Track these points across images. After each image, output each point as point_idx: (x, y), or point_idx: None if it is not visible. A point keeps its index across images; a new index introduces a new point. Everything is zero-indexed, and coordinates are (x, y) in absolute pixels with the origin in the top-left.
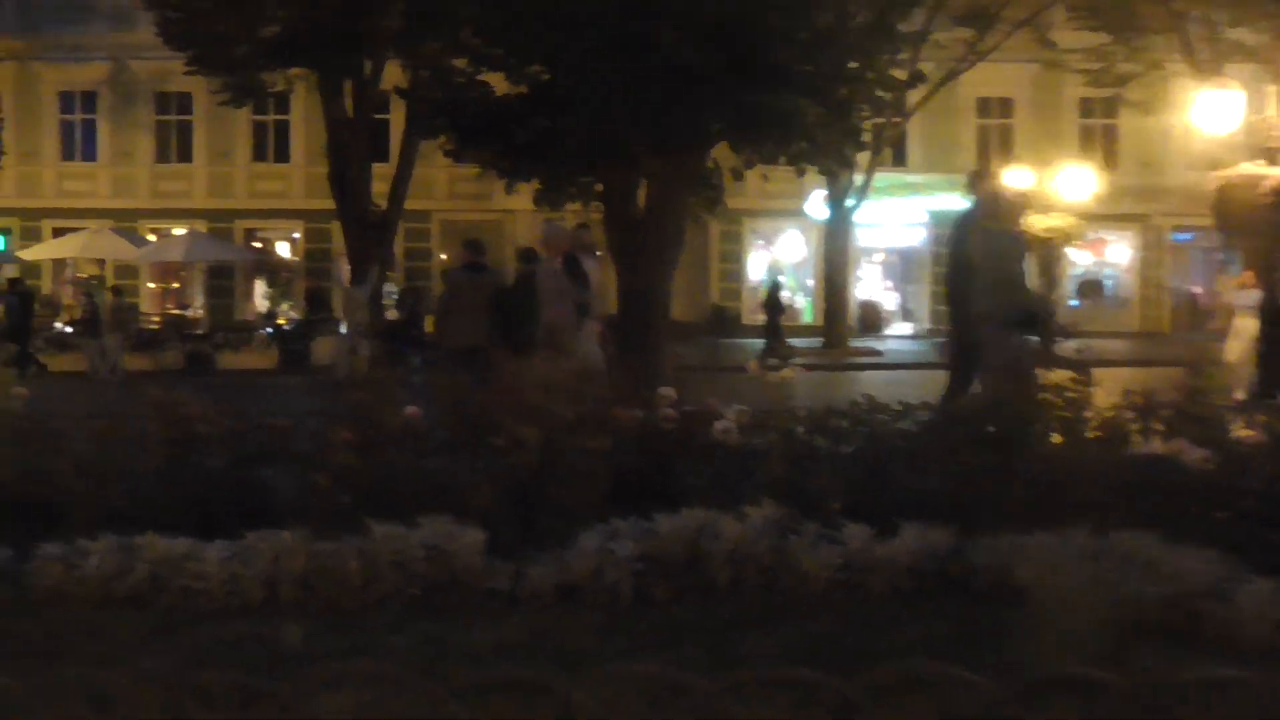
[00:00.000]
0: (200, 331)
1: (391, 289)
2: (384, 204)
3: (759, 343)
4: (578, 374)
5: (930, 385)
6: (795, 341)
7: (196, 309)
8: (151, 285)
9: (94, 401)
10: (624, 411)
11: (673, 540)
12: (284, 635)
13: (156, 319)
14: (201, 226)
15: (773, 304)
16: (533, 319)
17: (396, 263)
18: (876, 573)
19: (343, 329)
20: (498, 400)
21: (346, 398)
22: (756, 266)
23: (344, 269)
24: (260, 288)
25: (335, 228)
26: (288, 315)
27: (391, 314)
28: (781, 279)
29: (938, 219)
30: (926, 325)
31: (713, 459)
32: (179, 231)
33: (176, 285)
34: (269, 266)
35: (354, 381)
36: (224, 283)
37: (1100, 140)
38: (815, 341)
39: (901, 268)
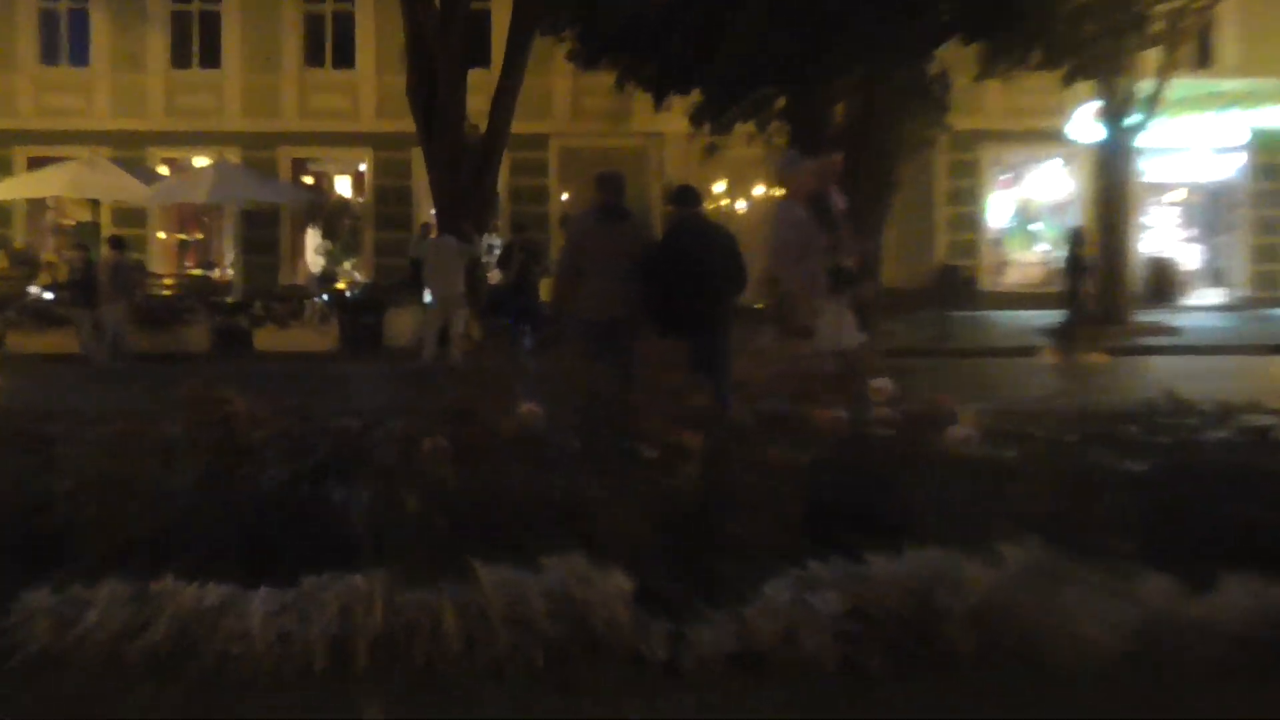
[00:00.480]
0: (231, 300)
1: (494, 242)
2: (482, 126)
3: (1008, 316)
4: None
5: (1256, 377)
6: (1048, 314)
7: (226, 269)
8: (164, 236)
9: (89, 393)
10: (824, 413)
11: (893, 591)
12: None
13: (171, 282)
14: (233, 155)
15: (1074, 263)
16: (713, 283)
17: (500, 206)
18: (1189, 642)
19: (428, 297)
20: (647, 395)
21: (439, 391)
22: (999, 210)
23: (429, 214)
24: (313, 239)
25: (415, 157)
26: (351, 277)
27: (494, 276)
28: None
29: (1263, 141)
30: (1246, 292)
31: (948, 478)
32: (201, 163)
33: (199, 236)
34: (325, 210)
35: (448, 369)
36: (264, 233)
37: None
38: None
39: (1208, 212)
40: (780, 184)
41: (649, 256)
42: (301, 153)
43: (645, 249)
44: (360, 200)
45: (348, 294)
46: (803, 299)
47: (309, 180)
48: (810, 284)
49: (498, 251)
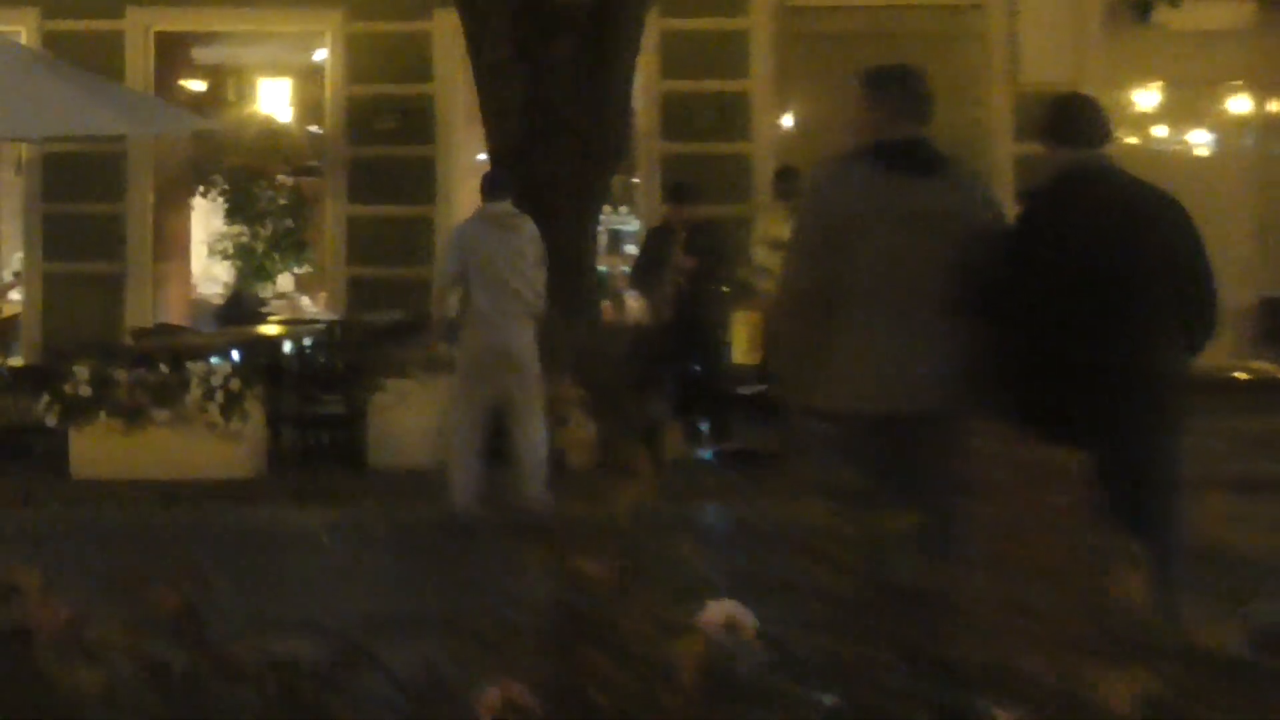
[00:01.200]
0: (15, 362)
1: (632, 226)
2: None
3: None
4: None
5: None
6: None
7: (4, 291)
8: None
9: None
10: None
11: None
12: None
13: None
14: (23, 27)
15: None
16: (1147, 319)
17: (637, 144)
18: None
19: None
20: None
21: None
22: None
23: (471, 162)
24: (207, 224)
25: (440, 31)
26: (294, 309)
27: (629, 305)
28: None
29: None
30: None
31: None
32: None
33: None
34: (234, 162)
35: (514, 528)
36: (88, 208)
37: None
38: None
39: None
40: None
41: (995, 267)
42: (176, 22)
43: (983, 247)
44: (315, 131)
45: (287, 348)
46: None
47: (195, 87)
48: None
49: (633, 250)
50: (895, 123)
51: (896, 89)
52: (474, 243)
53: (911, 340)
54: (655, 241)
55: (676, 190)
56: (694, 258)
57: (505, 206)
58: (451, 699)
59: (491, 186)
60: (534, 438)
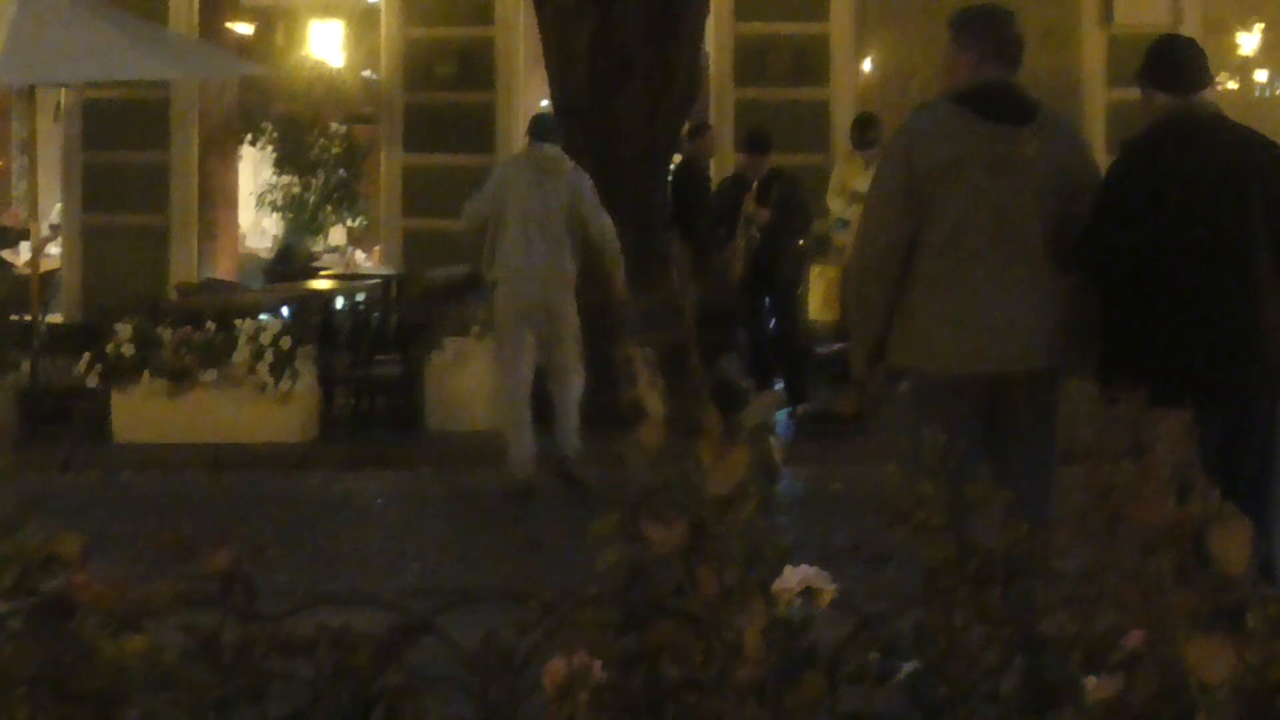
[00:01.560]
0: (53, 317)
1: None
2: None
3: None
4: None
5: None
6: None
7: (44, 244)
8: None
9: None
10: None
11: None
12: None
13: None
14: None
15: None
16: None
17: (706, 88)
18: None
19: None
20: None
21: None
22: None
23: (534, 106)
24: (254, 175)
25: None
26: (347, 263)
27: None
28: None
29: None
30: None
31: None
32: None
33: None
34: (283, 110)
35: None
36: (130, 159)
37: None
38: None
39: None
40: None
41: (1097, 213)
42: None
43: (1079, 198)
44: (368, 77)
45: (339, 305)
46: None
47: (242, 30)
48: None
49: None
50: (982, 67)
51: (983, 32)
52: (511, 187)
53: (1005, 295)
54: (728, 193)
55: (751, 138)
56: (768, 210)
57: (549, 150)
58: (516, 670)
59: (537, 128)
60: (569, 391)
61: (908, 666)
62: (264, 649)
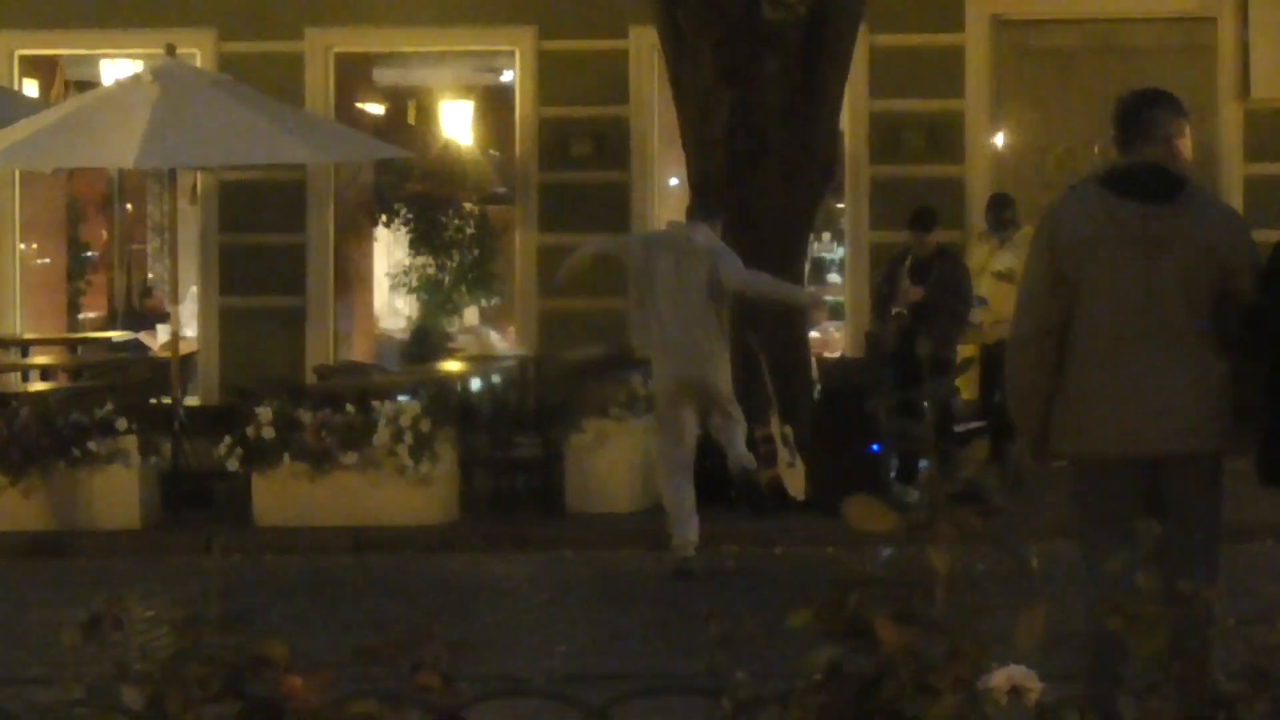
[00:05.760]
0: (190, 401)
1: (836, 254)
2: None
3: None
4: None
5: None
6: None
7: (180, 325)
8: (32, 249)
9: None
10: None
11: None
12: None
13: (50, 359)
14: (198, 49)
15: None
16: None
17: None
18: None
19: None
20: None
21: None
22: None
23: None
24: (389, 255)
25: (638, 49)
26: (483, 345)
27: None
28: None
29: None
30: None
31: None
32: (127, 71)
33: (115, 249)
34: (416, 188)
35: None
36: (266, 241)
37: None
38: None
39: None
40: None
41: (1260, 295)
42: (357, 43)
43: (1235, 276)
44: (500, 156)
45: (477, 386)
46: None
47: (374, 111)
48: None
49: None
50: (1124, 146)
51: (1130, 114)
52: (640, 267)
53: (1158, 377)
54: (887, 270)
55: (916, 216)
56: (920, 289)
57: (679, 227)
58: None
59: (690, 212)
60: (734, 434)
61: None
62: None
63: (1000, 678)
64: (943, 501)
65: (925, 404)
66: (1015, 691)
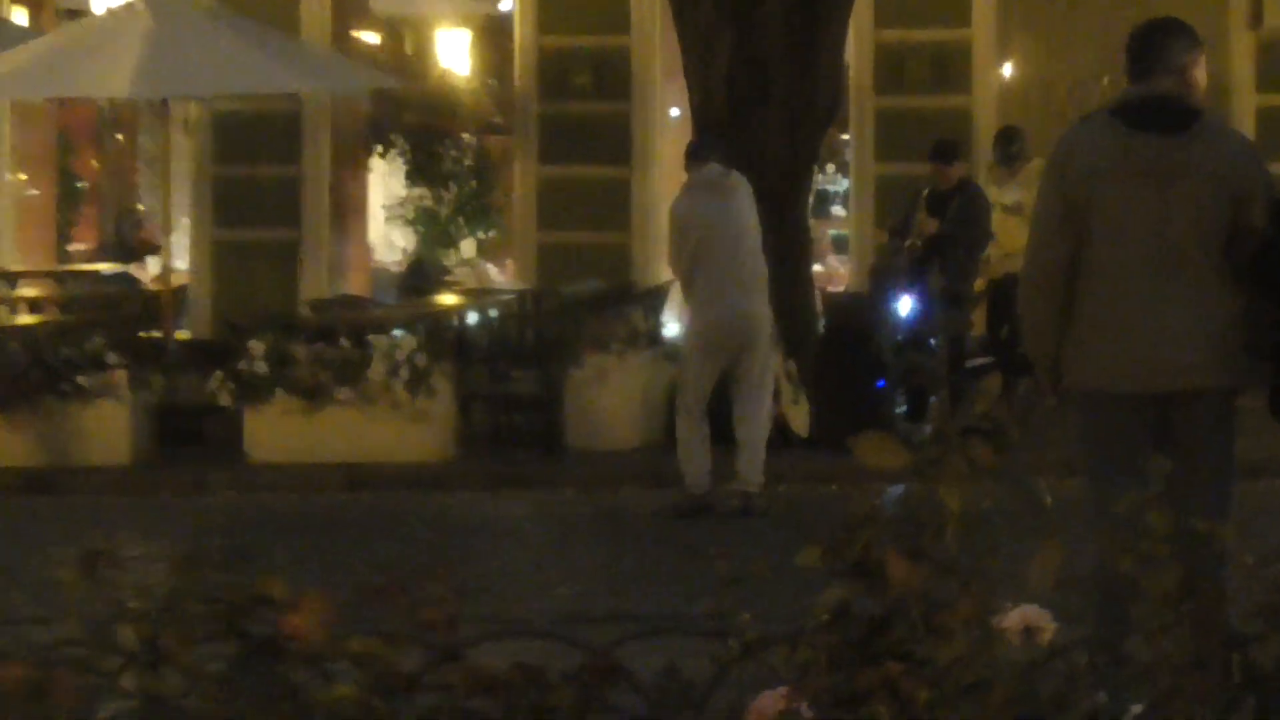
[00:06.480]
0: (181, 335)
1: (840, 186)
2: None
3: None
4: None
5: None
6: None
7: (171, 259)
8: (22, 179)
9: None
10: None
11: None
12: None
13: (41, 291)
14: None
15: None
16: None
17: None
18: None
19: (681, 322)
20: None
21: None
22: None
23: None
24: (384, 188)
25: None
26: (479, 277)
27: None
28: None
29: None
30: None
31: None
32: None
33: (105, 179)
34: (412, 118)
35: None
36: (260, 171)
37: None
38: None
39: None
40: None
41: (1272, 227)
42: None
43: (1249, 207)
44: (499, 87)
45: (474, 320)
46: None
47: (370, 40)
48: None
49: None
50: (1142, 79)
51: (1142, 44)
52: (694, 218)
53: (1167, 311)
54: (904, 204)
55: (937, 148)
56: (935, 221)
57: (715, 169)
58: (697, 707)
59: (695, 151)
60: (759, 416)
61: (1135, 709)
62: (465, 691)
63: (1014, 618)
64: (955, 437)
65: (933, 340)
66: (1028, 631)
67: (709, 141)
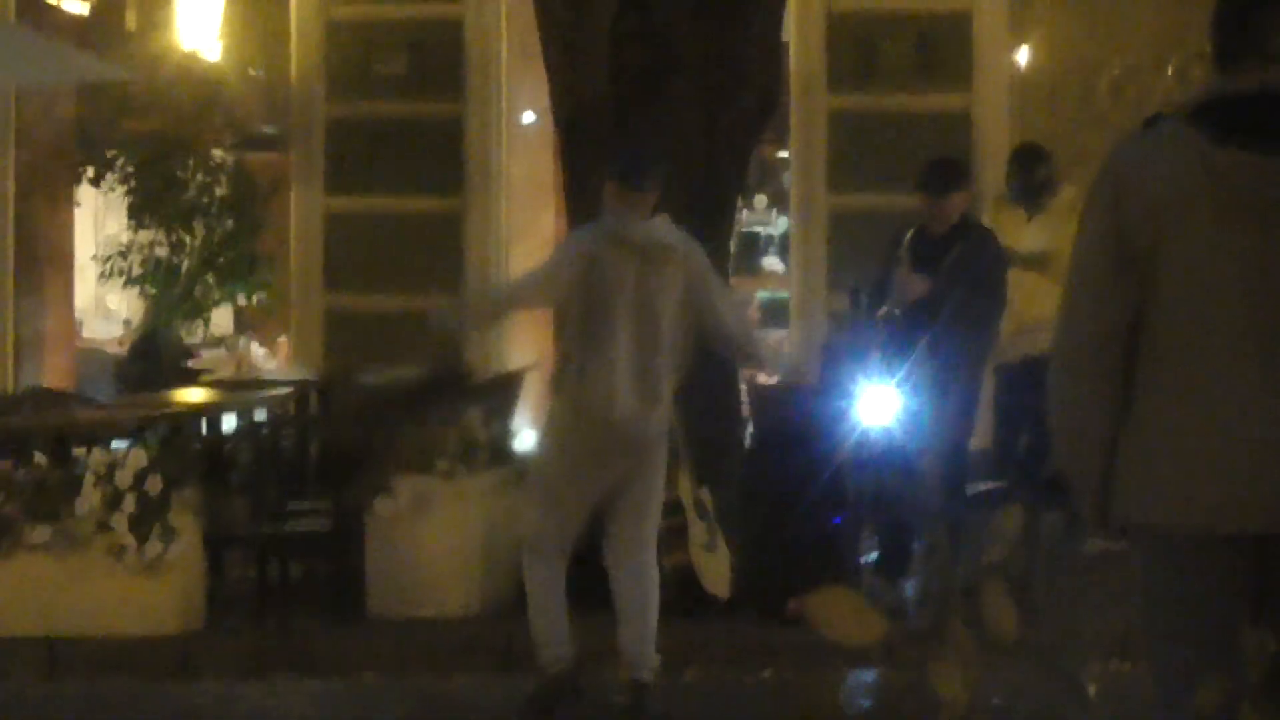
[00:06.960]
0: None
1: (779, 227)
2: None
3: None
4: None
5: None
6: None
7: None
8: None
9: None
10: None
11: None
12: None
13: None
14: None
15: None
16: None
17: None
18: None
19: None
20: None
21: None
22: None
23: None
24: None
25: None
26: (241, 364)
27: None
28: None
29: None
30: None
31: None
32: None
33: None
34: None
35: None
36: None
37: None
38: None
39: None
40: None
41: None
42: None
43: None
44: (258, 75)
45: (232, 425)
46: None
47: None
48: None
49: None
50: (1230, 70)
51: (1232, 23)
52: (601, 274)
53: (1276, 412)
54: (878, 254)
55: (930, 173)
56: (926, 278)
57: (656, 224)
58: None
59: (628, 173)
60: (649, 571)
61: None
62: None
63: None
64: (955, 598)
65: (919, 454)
66: None
67: (648, 162)
